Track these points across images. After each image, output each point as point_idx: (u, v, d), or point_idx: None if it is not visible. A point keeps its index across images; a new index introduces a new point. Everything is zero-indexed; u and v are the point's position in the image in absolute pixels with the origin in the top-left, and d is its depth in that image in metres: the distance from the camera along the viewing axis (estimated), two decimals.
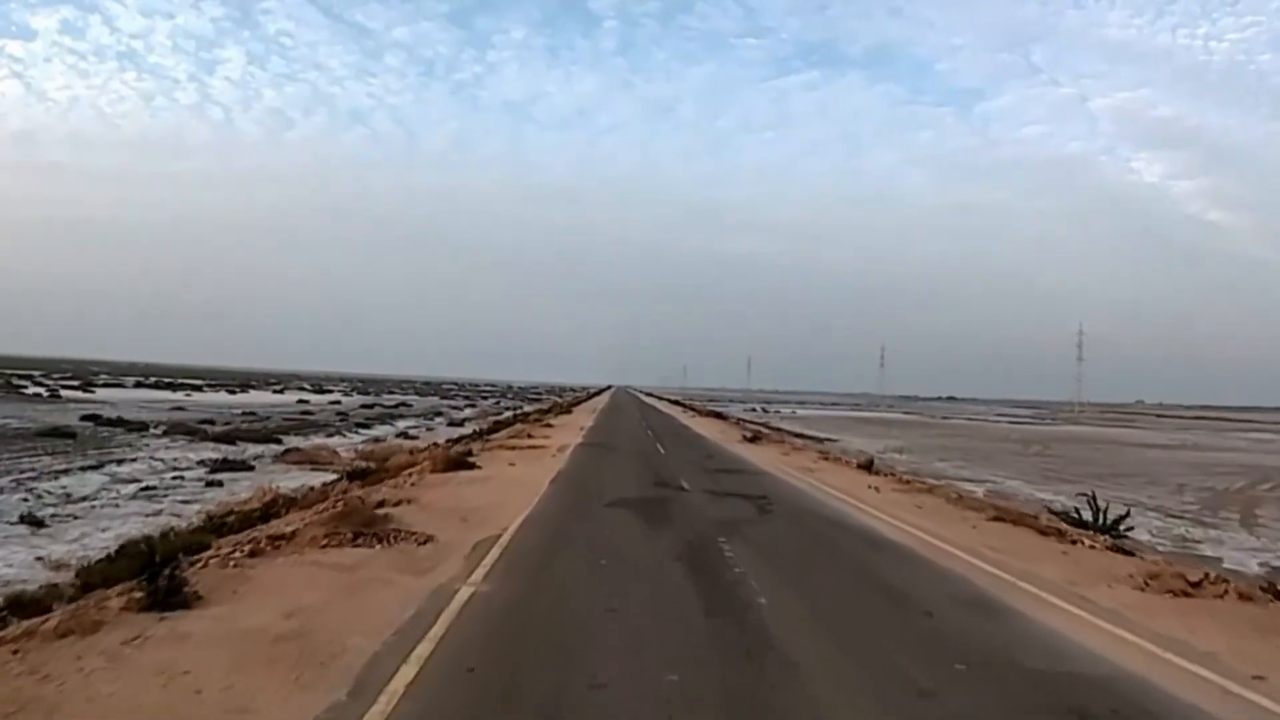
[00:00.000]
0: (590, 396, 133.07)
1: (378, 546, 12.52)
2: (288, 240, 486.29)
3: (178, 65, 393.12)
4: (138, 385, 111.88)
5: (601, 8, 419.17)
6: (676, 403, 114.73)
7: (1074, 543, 15.38)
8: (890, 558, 12.57)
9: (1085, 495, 21.33)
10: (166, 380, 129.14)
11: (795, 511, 16.76)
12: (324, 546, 12.41)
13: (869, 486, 21.57)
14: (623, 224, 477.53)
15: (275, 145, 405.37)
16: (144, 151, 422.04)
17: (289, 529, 14.02)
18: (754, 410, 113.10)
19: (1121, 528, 20.24)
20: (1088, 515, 20.45)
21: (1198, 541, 26.21)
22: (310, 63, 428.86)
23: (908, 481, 23.92)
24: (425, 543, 12.63)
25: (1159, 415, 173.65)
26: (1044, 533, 15.97)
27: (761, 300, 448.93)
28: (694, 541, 12.91)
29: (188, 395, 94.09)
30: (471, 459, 24.29)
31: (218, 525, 17.94)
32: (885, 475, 25.61)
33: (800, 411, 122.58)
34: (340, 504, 16.67)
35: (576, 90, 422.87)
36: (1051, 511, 21.65)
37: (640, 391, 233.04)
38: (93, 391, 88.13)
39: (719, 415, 75.34)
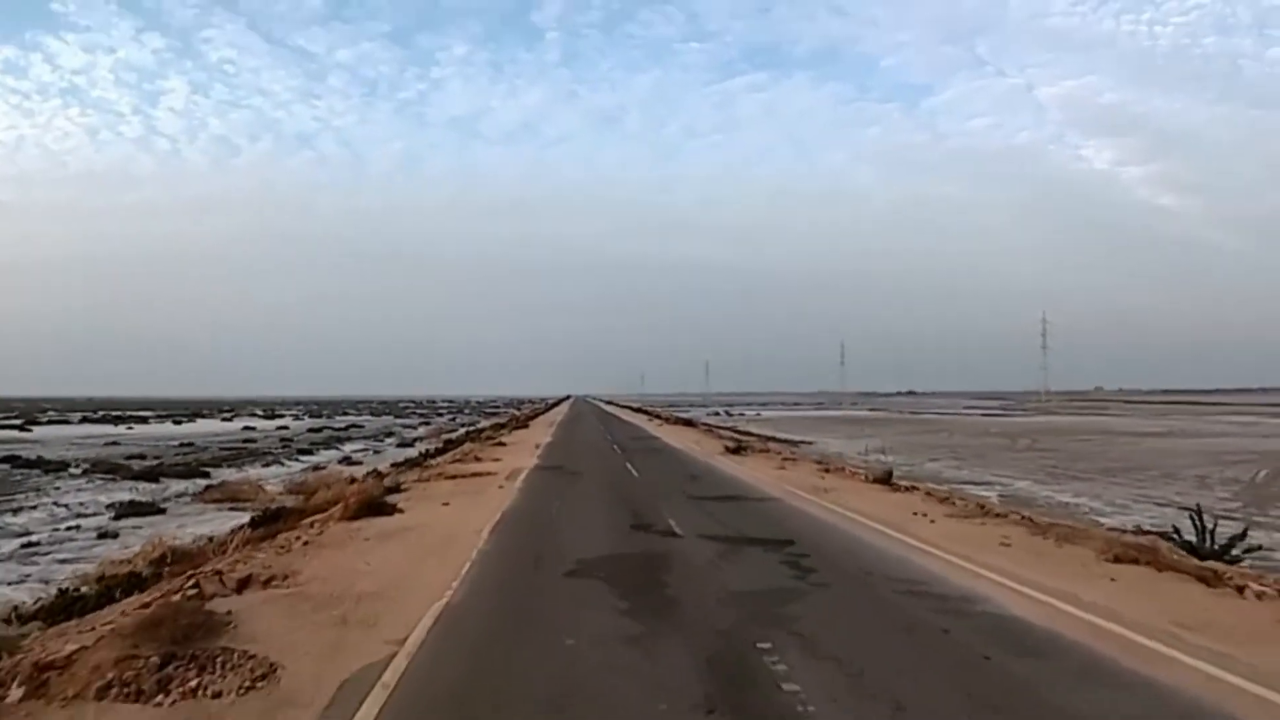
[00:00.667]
0: (549, 408, 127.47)
1: (174, 693, 7.04)
2: (238, 267, 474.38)
3: (121, 99, 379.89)
4: (83, 420, 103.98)
5: (544, 20, 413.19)
6: (639, 410, 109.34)
7: (1241, 590, 10.36)
8: (1059, 668, 7.20)
9: (1190, 511, 16.30)
10: (115, 414, 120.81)
11: (847, 570, 11.25)
12: (99, 694, 6.96)
13: (914, 513, 16.24)
14: (574, 235, 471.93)
15: (222, 172, 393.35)
16: (91, 186, 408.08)
17: (70, 649, 8.46)
18: (717, 414, 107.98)
19: (1236, 550, 15.26)
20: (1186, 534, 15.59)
21: (1271, 550, 21.58)
22: (254, 88, 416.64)
23: (948, 499, 18.66)
24: (257, 683, 7.12)
25: (1125, 401, 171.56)
26: (1203, 580, 10.85)
27: (717, 304, 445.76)
28: (719, 654, 7.44)
29: (130, 428, 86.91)
30: (393, 498, 18.65)
31: (69, 603, 12.75)
32: (911, 490, 20.40)
33: (765, 413, 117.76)
34: (187, 587, 11.28)
35: (522, 104, 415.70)
36: (1142, 531, 16.63)
37: (600, 400, 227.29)
38: (31, 430, 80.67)
39: (687, 422, 70.06)
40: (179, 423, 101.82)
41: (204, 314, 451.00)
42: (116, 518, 26.83)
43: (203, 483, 35.93)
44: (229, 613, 9.30)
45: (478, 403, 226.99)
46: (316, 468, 42.84)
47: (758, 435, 55.91)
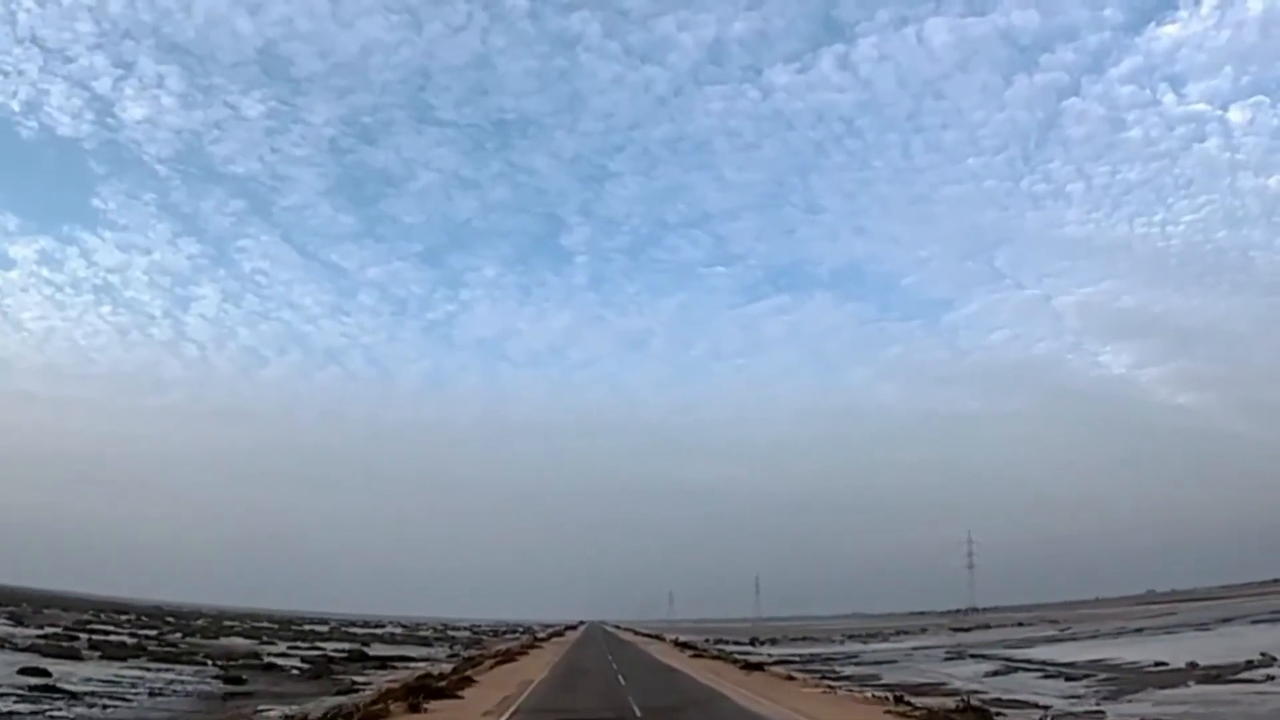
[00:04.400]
0: (534, 643, 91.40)
1: None
2: (257, 477, 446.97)
3: (153, 301, 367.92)
4: None
5: (573, 243, 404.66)
6: (691, 651, 73.45)
7: None
8: None
9: None
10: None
11: None
12: None
13: None
14: (597, 455, 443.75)
15: (250, 383, 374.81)
16: (117, 385, 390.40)
17: None
18: (826, 655, 71.56)
19: None
20: None
21: None
22: (285, 301, 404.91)
23: None
24: None
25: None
26: None
27: (750, 523, 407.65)
28: None
29: None
30: None
31: None
32: None
33: (903, 646, 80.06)
34: None
35: (549, 326, 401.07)
36: None
37: (620, 627, 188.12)
38: None
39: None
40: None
41: (217, 523, 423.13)
42: None
43: None
44: None
45: (479, 629, 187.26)
46: None
47: None
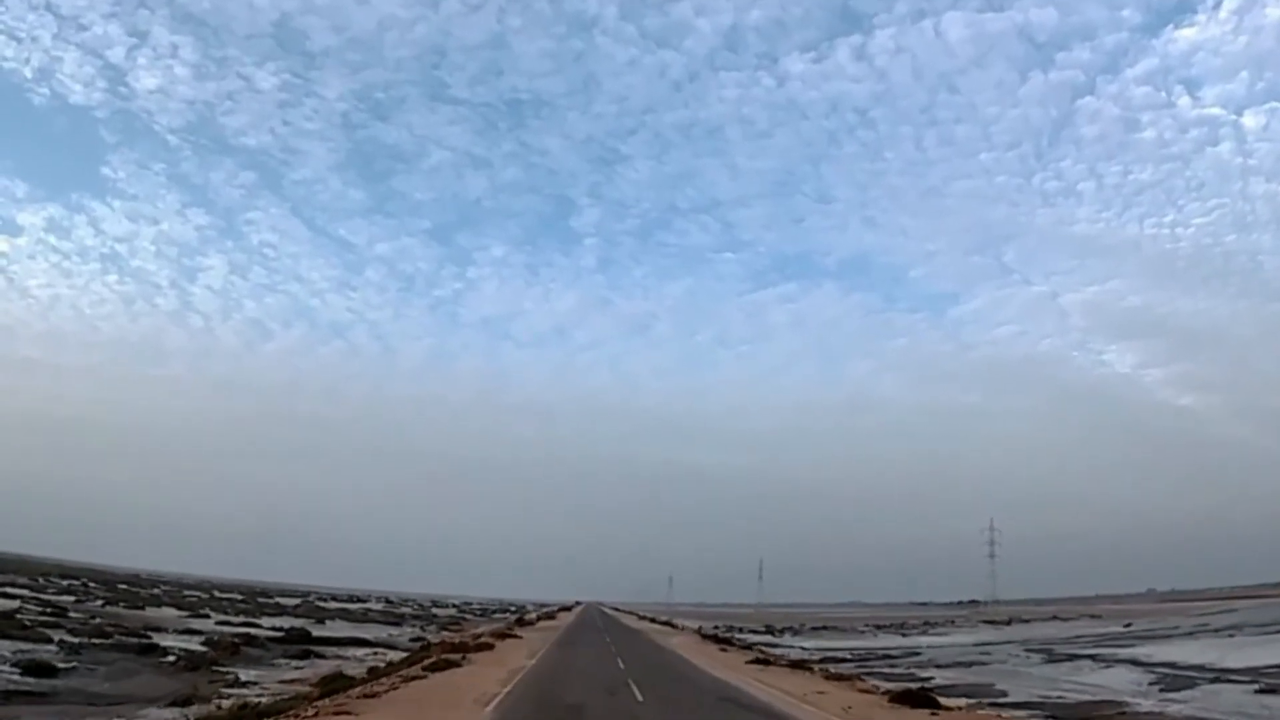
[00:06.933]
0: (513, 629, 78.17)
1: None
2: (257, 449, 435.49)
3: (160, 271, 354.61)
4: None
5: (582, 225, 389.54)
6: (748, 654, 60.24)
7: None
8: None
9: None
10: None
11: None
12: None
13: None
14: (598, 438, 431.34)
15: (253, 355, 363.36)
16: (121, 354, 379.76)
17: None
18: (881, 649, 58.16)
19: None
20: None
21: None
22: (292, 275, 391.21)
23: None
24: None
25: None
26: None
27: (750, 510, 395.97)
28: None
29: None
30: None
31: None
32: None
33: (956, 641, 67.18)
34: None
35: (554, 307, 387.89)
36: None
37: (619, 609, 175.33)
38: None
39: None
40: None
41: (214, 494, 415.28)
42: None
43: None
44: None
45: (456, 607, 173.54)
46: None
47: None
